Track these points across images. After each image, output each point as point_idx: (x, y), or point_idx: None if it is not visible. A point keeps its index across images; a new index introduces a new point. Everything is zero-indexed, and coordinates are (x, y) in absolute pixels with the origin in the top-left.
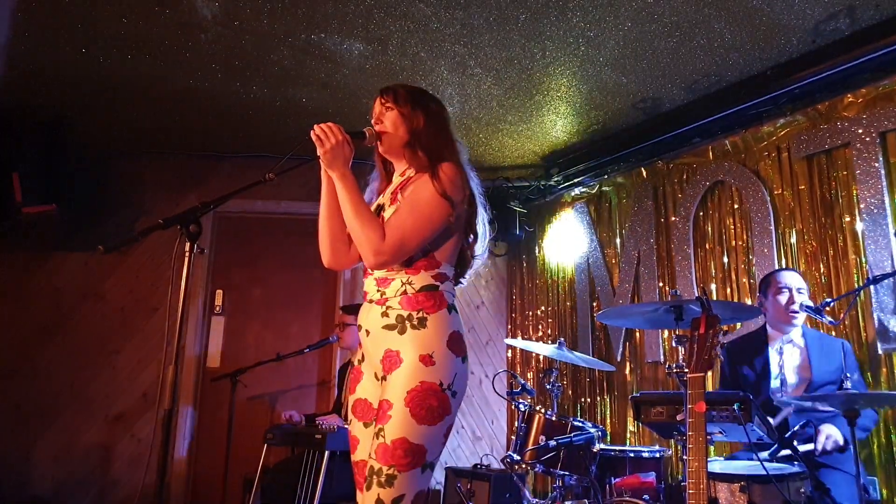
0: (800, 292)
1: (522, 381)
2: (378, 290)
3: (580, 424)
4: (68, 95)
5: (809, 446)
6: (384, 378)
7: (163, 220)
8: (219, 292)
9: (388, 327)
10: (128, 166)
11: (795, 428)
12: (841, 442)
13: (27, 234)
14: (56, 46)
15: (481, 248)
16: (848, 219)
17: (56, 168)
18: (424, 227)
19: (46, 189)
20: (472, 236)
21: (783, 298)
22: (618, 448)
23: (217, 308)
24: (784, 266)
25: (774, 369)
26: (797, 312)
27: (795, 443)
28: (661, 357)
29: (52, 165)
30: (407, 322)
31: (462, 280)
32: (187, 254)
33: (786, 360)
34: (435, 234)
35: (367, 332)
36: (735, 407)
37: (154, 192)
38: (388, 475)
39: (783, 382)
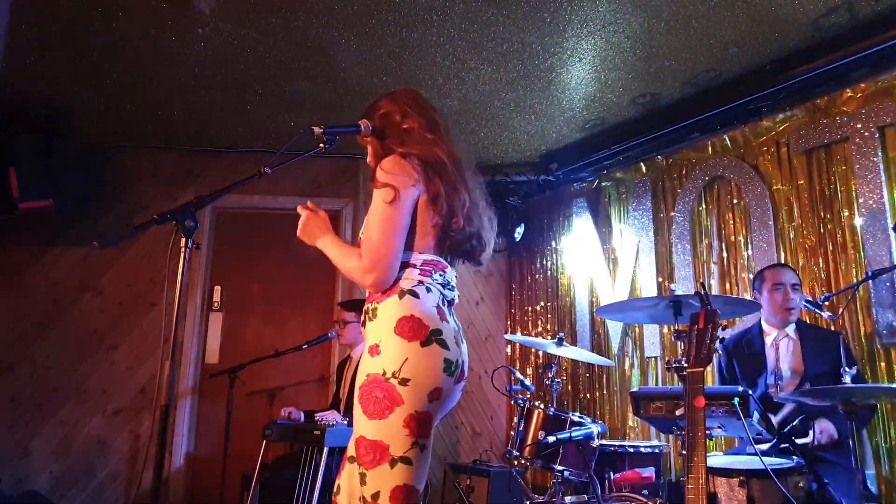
0: (794, 288)
1: (521, 377)
2: None
3: (579, 420)
4: (65, 90)
5: (806, 439)
6: None
7: (157, 216)
8: (217, 288)
9: (363, 324)
10: (125, 161)
11: (794, 423)
12: (836, 436)
13: (24, 229)
14: (53, 41)
15: (462, 220)
16: (847, 213)
17: (53, 163)
18: (390, 234)
19: (43, 184)
20: (444, 210)
21: (778, 296)
22: (617, 443)
23: (215, 304)
24: (783, 261)
25: (769, 364)
26: (793, 309)
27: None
28: (661, 352)
29: (48, 160)
30: (367, 316)
31: (443, 254)
32: (183, 249)
33: (780, 354)
34: (402, 232)
35: None
36: (734, 402)
37: (151, 186)
38: (360, 473)
39: (777, 376)
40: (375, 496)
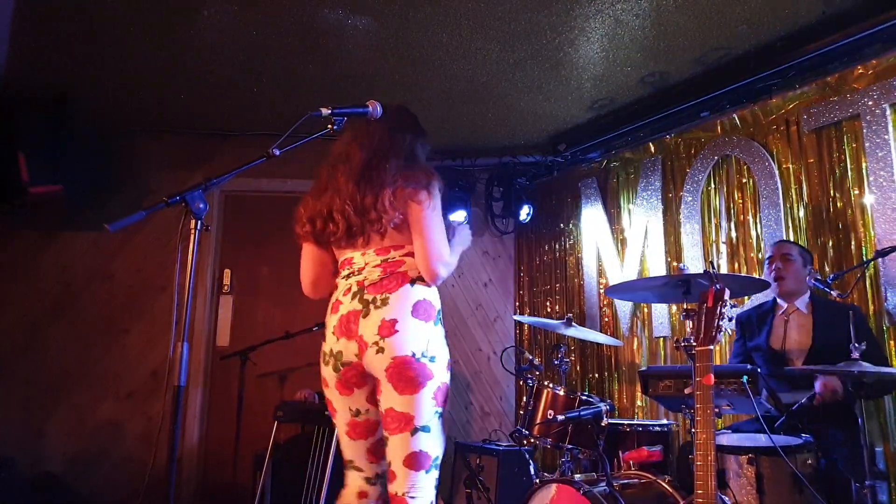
0: (786, 258)
1: (531, 357)
2: None
3: (588, 399)
4: (73, 74)
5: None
6: None
7: (167, 198)
8: (227, 271)
9: None
10: (134, 145)
11: (803, 400)
12: (840, 391)
13: (34, 214)
14: (60, 25)
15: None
16: (857, 192)
17: (62, 148)
18: None
19: (52, 169)
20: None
21: (770, 262)
22: (626, 422)
23: (225, 287)
24: (791, 241)
25: (779, 337)
26: (782, 279)
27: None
28: (669, 331)
29: (57, 145)
30: None
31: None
32: (192, 231)
33: (790, 327)
34: None
35: None
36: (743, 380)
37: (160, 170)
38: None
39: (786, 349)
40: None
